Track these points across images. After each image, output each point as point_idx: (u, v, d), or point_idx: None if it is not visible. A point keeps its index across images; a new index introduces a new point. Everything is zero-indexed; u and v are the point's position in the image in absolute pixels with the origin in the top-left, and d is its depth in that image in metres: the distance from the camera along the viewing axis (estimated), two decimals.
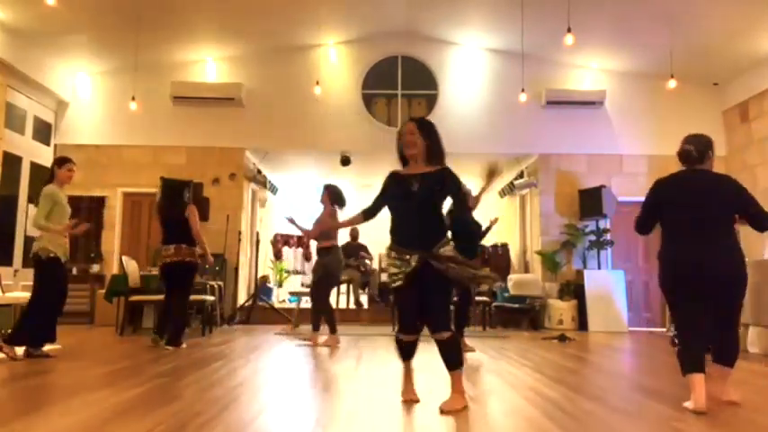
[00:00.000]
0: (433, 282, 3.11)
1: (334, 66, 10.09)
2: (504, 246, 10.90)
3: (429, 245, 3.13)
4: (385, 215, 3.37)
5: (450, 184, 3.23)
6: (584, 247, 9.66)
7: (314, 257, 11.28)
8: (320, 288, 6.38)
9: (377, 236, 6.36)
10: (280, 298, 11.38)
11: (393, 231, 3.24)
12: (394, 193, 3.27)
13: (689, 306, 3.26)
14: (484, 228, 6.35)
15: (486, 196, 5.59)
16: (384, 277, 9.14)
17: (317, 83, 9.32)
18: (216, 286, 8.32)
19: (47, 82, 9.05)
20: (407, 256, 3.12)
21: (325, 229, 6.19)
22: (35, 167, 8.99)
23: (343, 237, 10.16)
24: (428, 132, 3.27)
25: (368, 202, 3.44)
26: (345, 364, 4.92)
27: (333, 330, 6.26)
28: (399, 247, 3.17)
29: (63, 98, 9.60)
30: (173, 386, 3.67)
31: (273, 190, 11.85)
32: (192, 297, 7.81)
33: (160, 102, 9.72)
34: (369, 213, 3.42)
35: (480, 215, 5.98)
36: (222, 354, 5.42)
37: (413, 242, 3.15)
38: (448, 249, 3.15)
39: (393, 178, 3.33)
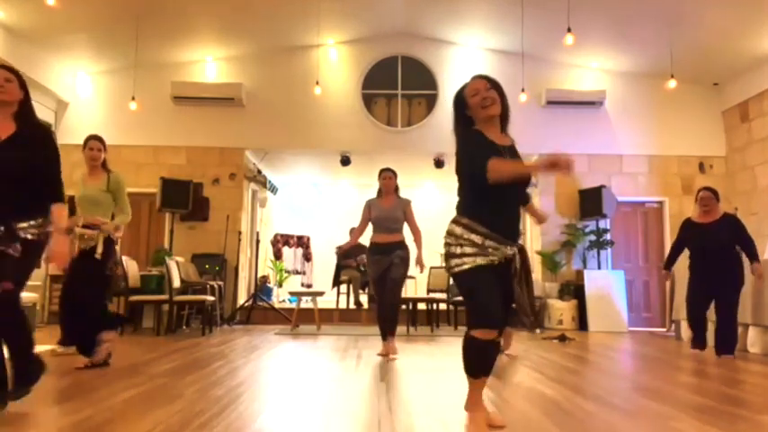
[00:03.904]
0: (521, 271, 2.63)
1: (334, 66, 10.09)
2: None
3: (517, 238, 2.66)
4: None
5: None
6: (584, 247, 9.66)
7: (314, 257, 11.50)
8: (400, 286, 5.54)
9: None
10: (280, 298, 11.37)
11: (486, 212, 2.58)
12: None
13: None
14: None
15: None
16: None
17: (317, 83, 9.32)
18: (216, 286, 8.32)
19: (47, 82, 9.04)
20: (501, 246, 2.57)
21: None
22: None
23: (342, 237, 10.13)
24: (501, 93, 2.62)
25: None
26: (345, 363, 4.92)
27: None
28: (497, 235, 2.57)
29: (63, 98, 9.59)
30: (173, 386, 3.67)
31: (273, 190, 11.85)
32: (192, 297, 7.87)
33: (160, 102, 9.71)
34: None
35: None
36: (222, 354, 5.42)
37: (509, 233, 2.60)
38: None
39: (486, 139, 2.62)
